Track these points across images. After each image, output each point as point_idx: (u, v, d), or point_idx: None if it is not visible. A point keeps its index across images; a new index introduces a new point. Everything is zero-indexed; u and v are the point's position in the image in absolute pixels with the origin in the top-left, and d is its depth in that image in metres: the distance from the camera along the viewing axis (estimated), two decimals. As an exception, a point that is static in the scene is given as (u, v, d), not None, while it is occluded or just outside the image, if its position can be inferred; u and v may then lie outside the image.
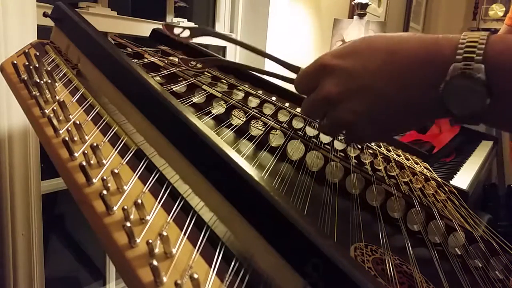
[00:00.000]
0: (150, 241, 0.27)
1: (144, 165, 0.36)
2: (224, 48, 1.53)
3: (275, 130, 0.57)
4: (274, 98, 0.70)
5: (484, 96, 0.31)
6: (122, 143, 0.38)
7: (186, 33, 0.50)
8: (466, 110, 0.32)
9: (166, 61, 0.68)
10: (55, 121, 0.39)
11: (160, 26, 0.87)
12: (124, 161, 0.36)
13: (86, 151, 0.35)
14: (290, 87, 0.54)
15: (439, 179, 0.67)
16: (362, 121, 0.38)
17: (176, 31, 0.49)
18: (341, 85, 0.38)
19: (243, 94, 0.66)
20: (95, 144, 0.34)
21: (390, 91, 0.36)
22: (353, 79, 0.37)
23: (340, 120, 0.39)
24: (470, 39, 0.32)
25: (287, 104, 0.68)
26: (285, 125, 0.60)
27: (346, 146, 0.58)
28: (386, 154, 0.65)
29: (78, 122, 0.37)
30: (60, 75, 0.49)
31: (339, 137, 0.55)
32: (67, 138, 0.35)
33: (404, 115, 0.37)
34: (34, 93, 0.42)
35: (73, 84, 0.48)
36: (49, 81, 0.44)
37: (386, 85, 0.36)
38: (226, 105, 0.58)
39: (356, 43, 0.39)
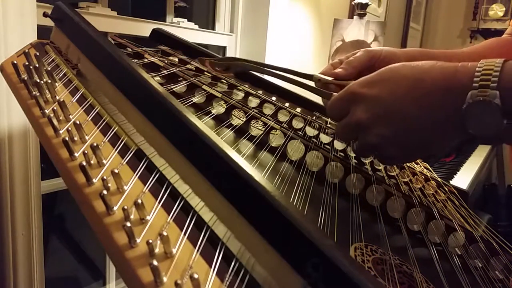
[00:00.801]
0: (150, 241, 0.27)
1: (144, 165, 0.36)
2: (224, 48, 1.53)
3: (275, 130, 0.57)
4: (274, 98, 0.70)
5: (500, 119, 0.34)
6: (122, 143, 0.38)
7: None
8: (485, 132, 0.35)
9: (166, 61, 0.68)
10: (55, 121, 0.39)
11: (160, 26, 0.87)
12: (124, 161, 0.36)
13: (86, 151, 0.35)
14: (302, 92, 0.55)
15: (439, 179, 0.67)
16: (389, 144, 0.41)
17: (218, 67, 0.53)
18: (369, 112, 0.41)
19: (243, 94, 0.66)
20: (95, 144, 0.34)
21: (415, 115, 0.38)
22: (380, 106, 0.40)
23: (369, 143, 0.42)
24: (486, 66, 0.35)
25: (287, 104, 0.68)
26: (285, 125, 0.60)
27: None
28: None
29: (78, 122, 0.37)
30: (60, 75, 0.49)
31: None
32: (67, 138, 0.35)
33: (428, 137, 0.39)
34: (34, 93, 0.42)
35: (73, 84, 0.48)
36: (49, 81, 0.44)
37: (411, 110, 0.38)
38: (226, 105, 0.58)
39: (383, 72, 0.42)
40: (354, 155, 0.59)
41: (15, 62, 0.48)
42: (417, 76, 0.39)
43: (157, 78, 0.60)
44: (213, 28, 1.51)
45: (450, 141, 0.40)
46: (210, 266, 0.27)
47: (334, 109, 0.45)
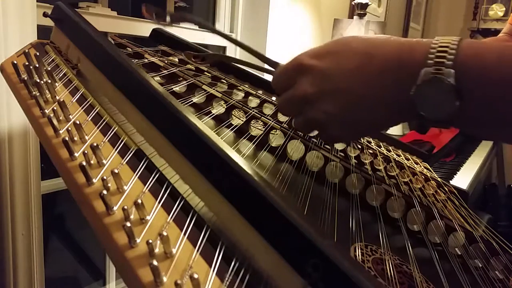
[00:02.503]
0: (150, 241, 0.27)
1: (144, 165, 0.36)
2: (224, 48, 1.53)
3: (275, 130, 0.57)
4: (274, 98, 0.70)
5: (454, 101, 0.32)
6: (122, 143, 0.38)
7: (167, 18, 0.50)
8: (436, 113, 0.33)
9: (166, 61, 0.68)
10: (55, 121, 0.39)
11: (160, 26, 0.87)
12: (124, 161, 0.36)
13: (86, 151, 0.35)
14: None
15: (439, 179, 0.67)
16: (334, 121, 0.39)
17: (156, 15, 0.49)
18: (316, 85, 0.38)
19: (243, 94, 0.66)
20: (95, 144, 0.34)
21: (363, 92, 0.36)
22: (328, 80, 0.38)
23: (312, 119, 0.40)
24: (441, 43, 0.33)
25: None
26: (285, 125, 0.60)
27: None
28: (386, 154, 0.65)
29: (78, 122, 0.37)
30: (60, 75, 0.49)
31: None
32: (67, 138, 0.35)
33: (375, 118, 0.37)
34: (34, 93, 0.42)
35: (73, 84, 0.48)
36: (49, 81, 0.44)
37: (360, 87, 0.36)
38: (226, 105, 0.58)
39: (333, 44, 0.39)
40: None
41: (15, 62, 0.48)
42: (368, 51, 0.37)
43: (157, 78, 0.60)
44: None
45: (399, 121, 0.38)
46: (210, 266, 0.27)
47: (279, 80, 0.43)
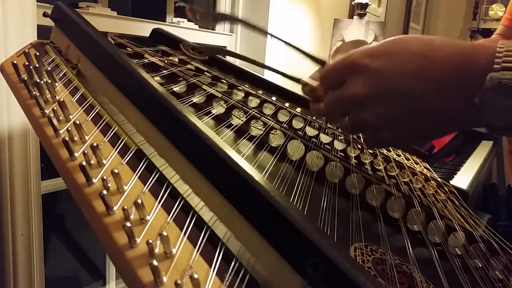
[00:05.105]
0: (150, 241, 0.27)
1: (144, 165, 0.36)
2: (224, 47, 1.53)
3: (275, 130, 0.57)
4: (274, 98, 0.70)
5: None
6: (122, 143, 0.38)
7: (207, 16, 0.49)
8: (504, 121, 0.31)
9: (166, 61, 0.68)
10: (55, 121, 0.39)
11: (160, 26, 0.87)
12: (124, 161, 0.36)
13: (86, 151, 0.35)
14: (291, 85, 0.53)
15: (439, 179, 0.67)
16: (387, 125, 0.37)
17: (200, 16, 0.48)
18: (370, 86, 0.36)
19: (243, 94, 0.66)
20: (95, 144, 0.34)
21: (422, 97, 0.34)
22: (384, 81, 0.36)
23: (364, 122, 0.38)
24: (508, 47, 0.31)
25: (287, 104, 0.68)
26: (285, 125, 0.60)
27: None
28: (386, 154, 0.65)
29: (78, 122, 0.37)
30: (60, 75, 0.49)
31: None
32: (67, 138, 0.35)
33: (435, 122, 0.36)
34: (34, 93, 0.42)
35: (73, 84, 0.48)
36: (49, 81, 0.44)
37: (418, 90, 0.34)
38: (226, 105, 0.58)
39: (390, 43, 0.37)
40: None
41: (15, 62, 0.48)
42: (427, 54, 0.34)
43: (157, 78, 0.60)
44: (213, 28, 1.51)
45: (461, 128, 0.36)
46: (210, 266, 0.27)
47: (328, 76, 0.41)
